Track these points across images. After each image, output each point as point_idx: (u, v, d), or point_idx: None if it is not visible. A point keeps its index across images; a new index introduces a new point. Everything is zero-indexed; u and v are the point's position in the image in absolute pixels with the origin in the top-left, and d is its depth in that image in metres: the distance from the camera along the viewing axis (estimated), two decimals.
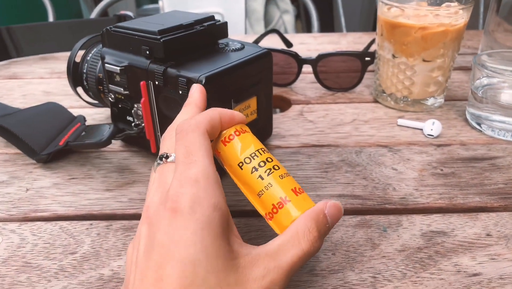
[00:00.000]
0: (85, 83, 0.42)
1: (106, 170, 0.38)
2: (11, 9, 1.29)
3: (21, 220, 0.32)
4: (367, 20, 1.64)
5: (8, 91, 0.54)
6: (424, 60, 0.44)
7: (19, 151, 0.40)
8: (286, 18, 1.96)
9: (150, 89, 0.34)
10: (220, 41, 0.38)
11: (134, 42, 0.34)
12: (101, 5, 1.05)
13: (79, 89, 0.43)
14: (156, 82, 0.33)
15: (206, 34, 0.36)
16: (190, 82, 0.31)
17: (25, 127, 0.38)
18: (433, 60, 0.44)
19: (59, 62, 0.64)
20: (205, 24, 0.36)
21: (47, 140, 0.38)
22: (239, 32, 1.04)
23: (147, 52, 0.33)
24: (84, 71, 0.42)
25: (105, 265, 0.28)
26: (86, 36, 0.43)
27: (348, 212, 0.32)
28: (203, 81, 0.31)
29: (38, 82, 0.57)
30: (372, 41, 0.61)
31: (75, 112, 0.48)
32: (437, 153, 0.39)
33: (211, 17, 0.37)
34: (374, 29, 1.62)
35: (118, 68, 0.35)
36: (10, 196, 0.34)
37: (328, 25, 1.65)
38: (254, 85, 0.36)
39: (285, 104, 0.51)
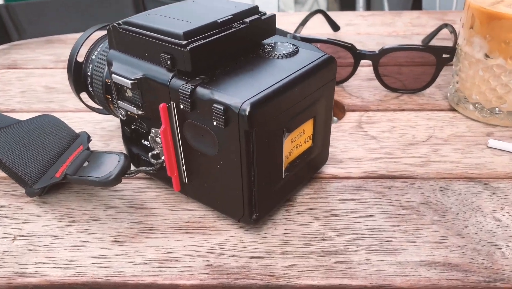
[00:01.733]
0: (90, 88, 0.33)
1: (115, 208, 0.29)
2: None
3: (4, 288, 0.24)
4: None
5: (5, 85, 0.46)
6: None
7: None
8: None
9: (173, 114, 0.25)
10: (266, 41, 0.28)
11: (150, 46, 0.25)
12: None
13: (84, 95, 0.34)
14: (181, 106, 0.24)
15: (249, 35, 0.26)
16: (228, 110, 0.22)
17: (15, 153, 0.29)
18: None
19: (66, 46, 0.55)
20: (247, 20, 0.26)
21: (42, 169, 0.30)
22: (272, 6, 0.92)
23: (168, 62, 0.24)
24: (89, 73, 0.33)
25: None
26: (91, 28, 0.33)
27: None
28: (247, 110, 0.22)
29: (40, 73, 0.48)
30: (440, 28, 0.50)
31: (81, 117, 0.40)
32: None
33: (255, 9, 0.27)
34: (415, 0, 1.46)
35: (130, 81, 0.25)
36: None
37: None
38: (312, 105, 0.27)
39: (338, 110, 0.42)
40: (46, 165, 0.30)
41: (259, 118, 0.22)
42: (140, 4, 0.56)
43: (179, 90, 0.23)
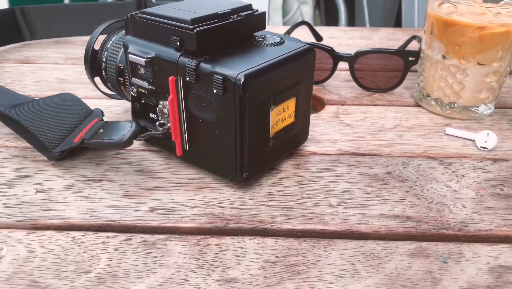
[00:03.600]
0: (103, 73, 0.38)
1: (124, 171, 0.34)
2: None
3: (29, 227, 0.28)
4: (390, 12, 1.57)
5: (20, 76, 0.51)
6: (479, 63, 0.40)
7: (29, 145, 0.36)
8: (304, 9, 1.90)
9: (179, 86, 0.30)
10: (257, 33, 0.34)
11: (162, 31, 0.30)
12: None
13: (97, 79, 0.39)
14: (187, 78, 0.29)
15: (243, 26, 0.32)
16: (226, 80, 0.27)
17: (38, 121, 0.34)
18: (489, 64, 0.40)
19: (74, 47, 0.60)
20: (243, 14, 0.32)
21: (61, 136, 0.34)
22: None
23: (178, 43, 0.29)
24: (104, 60, 0.38)
25: None
26: (107, 22, 0.39)
27: (401, 237, 0.28)
28: (242, 80, 0.27)
29: (52, 68, 0.53)
30: (411, 39, 0.56)
31: (91, 103, 0.44)
32: (494, 169, 0.35)
33: (249, 6, 0.33)
34: (397, 22, 1.56)
35: (143, 59, 0.31)
36: (18, 198, 0.31)
37: (349, 17, 1.59)
38: (294, 85, 0.32)
39: (318, 104, 0.47)
40: (64, 133, 0.34)
41: (251, 88, 0.28)
42: (143, 8, 0.62)
43: (186, 65, 0.29)
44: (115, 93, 0.40)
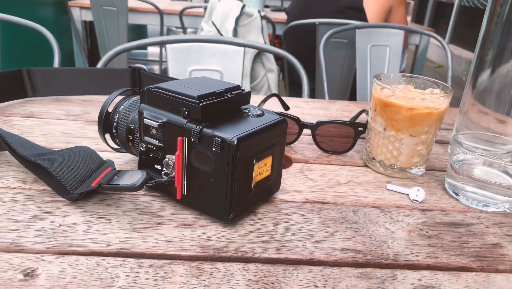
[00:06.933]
0: (114, 131, 0.47)
1: (131, 211, 0.41)
2: (18, 51, 1.33)
3: (58, 253, 0.35)
4: (346, 86, 1.76)
5: (28, 129, 0.58)
6: (410, 135, 0.52)
7: (46, 188, 0.43)
8: (270, 76, 2.08)
9: (184, 144, 0.39)
10: (243, 106, 0.44)
11: (173, 103, 0.39)
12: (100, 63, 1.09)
13: (107, 136, 0.47)
14: (192, 139, 0.38)
15: (234, 101, 0.42)
16: (224, 141, 0.37)
17: (59, 167, 0.41)
18: (418, 136, 0.52)
19: (73, 104, 0.68)
20: (234, 92, 0.42)
21: (79, 180, 0.42)
22: None
23: (186, 113, 0.38)
24: (115, 120, 0.46)
25: None
26: (120, 89, 0.48)
27: (351, 264, 0.37)
28: (235, 142, 0.36)
29: (55, 122, 0.61)
30: (361, 112, 0.69)
31: None
32: (422, 216, 0.45)
33: (238, 87, 0.43)
34: (352, 94, 1.74)
35: (157, 123, 0.40)
36: (44, 230, 0.37)
37: (310, 89, 1.76)
38: (271, 147, 0.42)
39: (287, 162, 0.57)
40: (82, 178, 0.42)
41: (241, 148, 0.37)
42: (136, 76, 0.72)
43: (192, 129, 0.38)
44: (120, 148, 0.48)
